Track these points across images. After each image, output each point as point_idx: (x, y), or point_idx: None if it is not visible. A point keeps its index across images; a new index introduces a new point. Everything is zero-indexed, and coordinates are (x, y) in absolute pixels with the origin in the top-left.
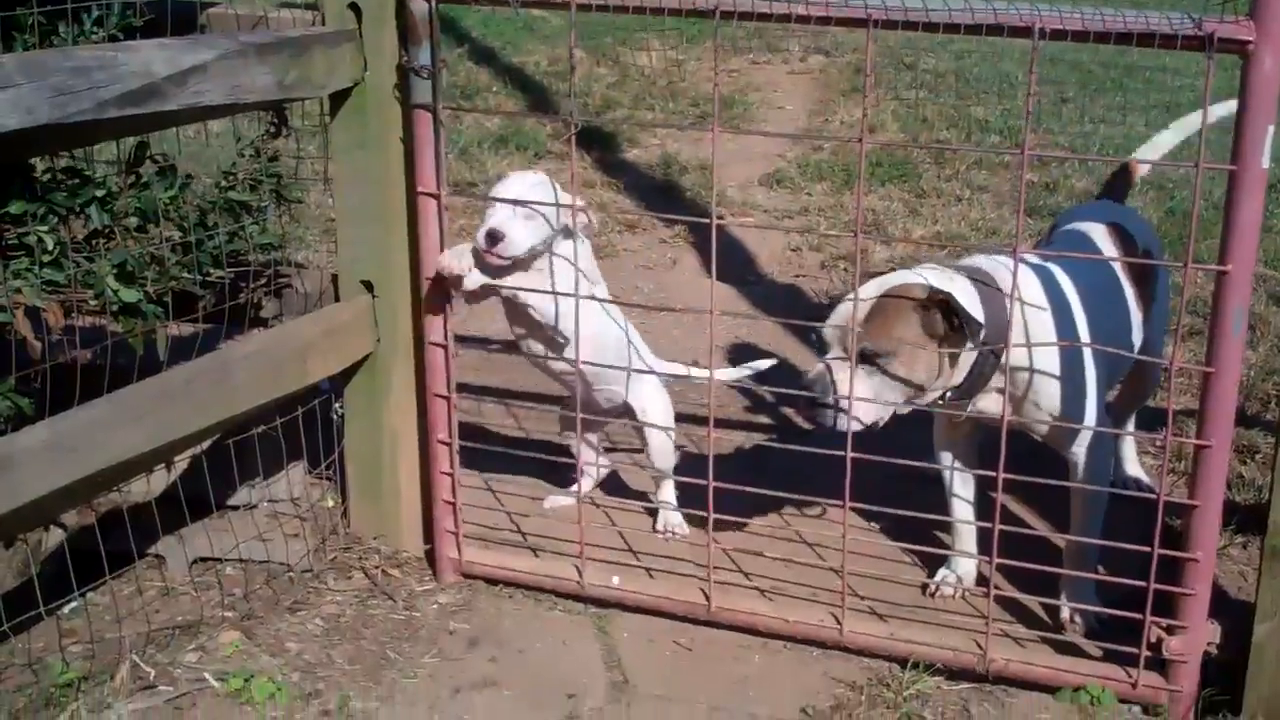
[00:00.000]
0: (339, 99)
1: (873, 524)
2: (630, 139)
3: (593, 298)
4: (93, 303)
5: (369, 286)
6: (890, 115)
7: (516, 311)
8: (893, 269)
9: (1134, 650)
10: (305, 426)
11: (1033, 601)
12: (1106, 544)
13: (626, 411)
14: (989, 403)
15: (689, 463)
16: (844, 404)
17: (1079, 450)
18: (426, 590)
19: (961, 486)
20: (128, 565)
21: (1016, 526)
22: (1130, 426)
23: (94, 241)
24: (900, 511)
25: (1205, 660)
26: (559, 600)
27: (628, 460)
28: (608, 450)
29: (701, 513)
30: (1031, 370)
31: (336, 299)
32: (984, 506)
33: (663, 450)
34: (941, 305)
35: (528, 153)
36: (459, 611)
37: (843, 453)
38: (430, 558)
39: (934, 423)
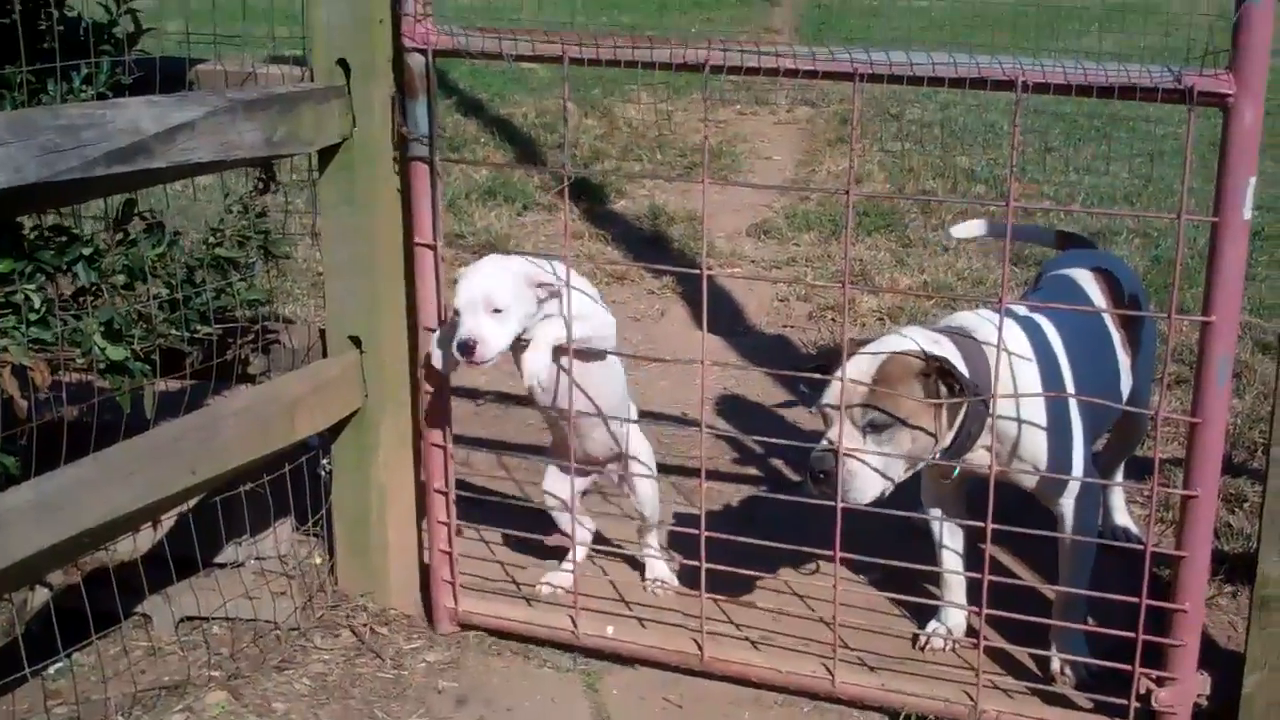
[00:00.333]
0: (327, 154)
1: (862, 575)
2: (618, 190)
3: (605, 352)
4: (80, 360)
5: (357, 342)
6: (877, 165)
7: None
8: (882, 333)
9: (1124, 702)
10: (293, 483)
11: (1022, 653)
12: (1095, 595)
13: (618, 457)
14: (976, 456)
15: (678, 513)
16: (850, 479)
17: (1066, 502)
18: (415, 648)
19: (950, 538)
20: (114, 625)
21: (1006, 577)
22: (1119, 476)
23: (81, 299)
24: (891, 562)
25: (1195, 712)
26: (548, 658)
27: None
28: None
29: (692, 562)
30: (1019, 422)
31: (324, 354)
32: (973, 557)
33: (651, 497)
34: (939, 370)
35: (515, 204)
36: (447, 669)
37: (832, 504)
38: (426, 606)
39: (922, 475)
